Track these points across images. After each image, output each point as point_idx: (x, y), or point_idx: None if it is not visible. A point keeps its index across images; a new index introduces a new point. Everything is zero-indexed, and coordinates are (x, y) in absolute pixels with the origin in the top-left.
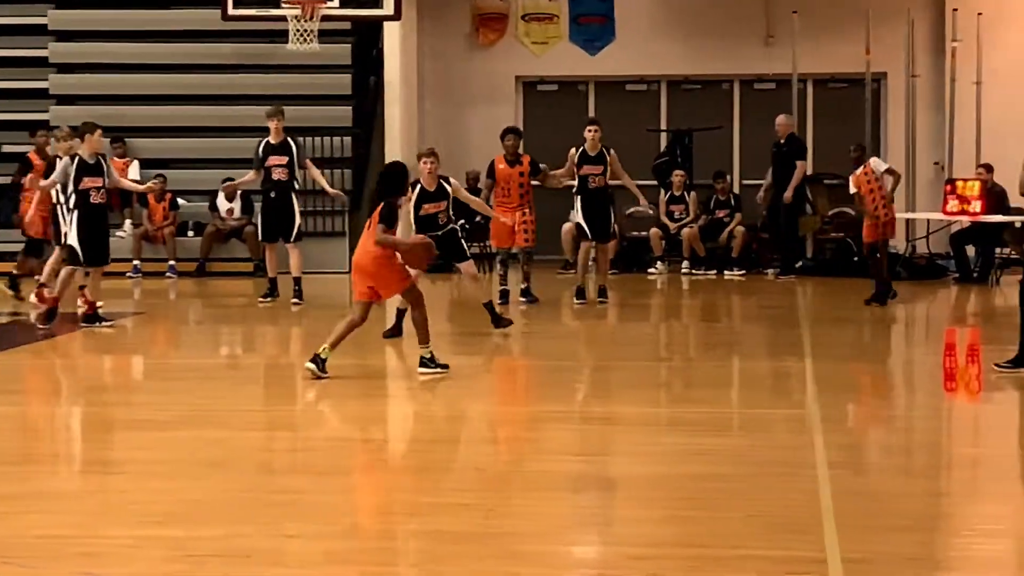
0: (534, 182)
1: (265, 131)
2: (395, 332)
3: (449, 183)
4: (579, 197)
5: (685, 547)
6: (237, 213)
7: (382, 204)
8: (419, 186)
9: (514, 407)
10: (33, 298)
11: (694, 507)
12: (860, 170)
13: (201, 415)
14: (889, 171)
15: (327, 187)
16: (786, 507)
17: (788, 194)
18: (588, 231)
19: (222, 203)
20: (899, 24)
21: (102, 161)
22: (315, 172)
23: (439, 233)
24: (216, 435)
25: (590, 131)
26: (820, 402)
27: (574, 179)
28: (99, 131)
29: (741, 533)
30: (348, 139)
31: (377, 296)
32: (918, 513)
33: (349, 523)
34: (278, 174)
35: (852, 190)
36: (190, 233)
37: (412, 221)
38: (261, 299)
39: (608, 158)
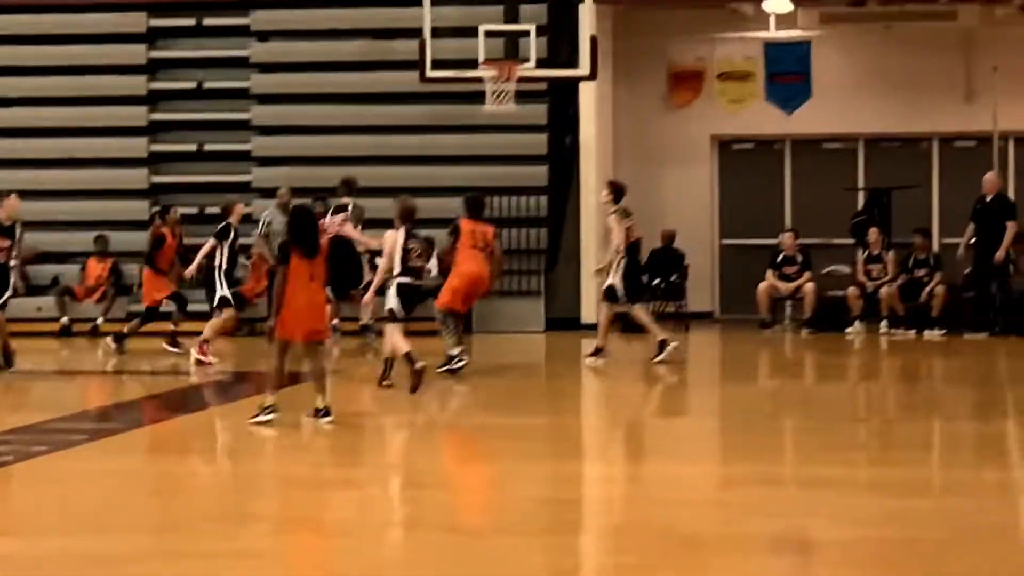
0: None
1: (459, 191)
2: None
3: None
4: None
5: None
6: (434, 273)
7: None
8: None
9: (704, 467)
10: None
11: (895, 571)
12: None
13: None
14: None
15: None
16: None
17: (1000, 254)
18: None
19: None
20: None
21: None
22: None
23: None
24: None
25: None
26: None
27: None
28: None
29: None
30: (544, 199)
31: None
32: None
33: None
34: None
35: None
36: None
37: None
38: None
39: None
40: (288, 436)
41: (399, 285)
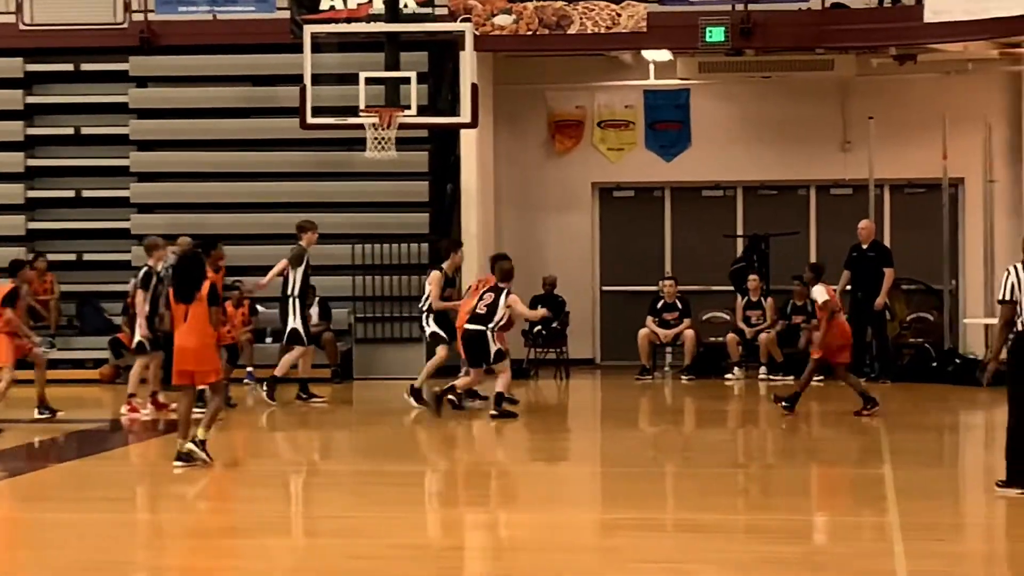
0: None
1: (340, 237)
2: None
3: None
4: None
5: None
6: (315, 319)
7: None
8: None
9: (585, 513)
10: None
11: None
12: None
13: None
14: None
15: None
16: None
17: (880, 301)
18: None
19: None
20: (976, 130)
21: None
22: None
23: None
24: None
25: None
26: (901, 509)
27: None
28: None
29: None
30: (425, 246)
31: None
32: None
33: None
34: None
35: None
36: (268, 340)
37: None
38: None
39: None
40: (177, 483)
41: None
